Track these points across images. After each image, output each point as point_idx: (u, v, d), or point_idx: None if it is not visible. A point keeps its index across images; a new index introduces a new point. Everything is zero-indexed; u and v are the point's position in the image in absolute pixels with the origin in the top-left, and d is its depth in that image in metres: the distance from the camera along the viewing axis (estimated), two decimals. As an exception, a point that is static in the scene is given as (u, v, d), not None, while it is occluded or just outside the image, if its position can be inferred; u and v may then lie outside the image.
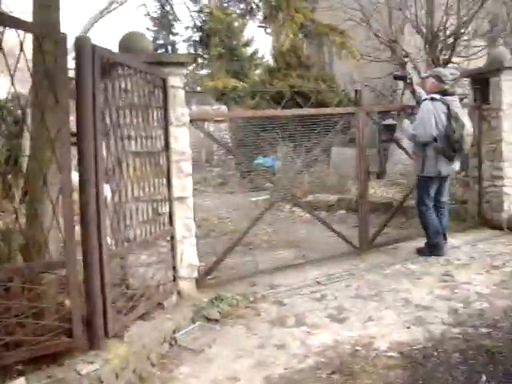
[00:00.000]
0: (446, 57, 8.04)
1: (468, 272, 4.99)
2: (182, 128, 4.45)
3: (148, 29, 25.61)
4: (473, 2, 8.12)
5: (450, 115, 5.16)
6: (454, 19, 7.84)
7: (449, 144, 5.19)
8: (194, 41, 24.08)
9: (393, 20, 8.21)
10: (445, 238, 5.66)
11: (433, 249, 5.54)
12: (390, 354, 3.40)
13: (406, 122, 5.51)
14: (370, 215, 5.90)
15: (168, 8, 18.11)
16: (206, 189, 13.02)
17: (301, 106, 11.99)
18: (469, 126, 5.29)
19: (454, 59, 8.46)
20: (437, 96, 5.28)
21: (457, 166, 5.51)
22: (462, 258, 5.47)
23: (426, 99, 5.31)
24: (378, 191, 9.45)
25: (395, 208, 6.33)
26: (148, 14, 24.17)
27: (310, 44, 16.15)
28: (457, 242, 6.01)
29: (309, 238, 6.63)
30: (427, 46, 7.99)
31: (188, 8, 26.12)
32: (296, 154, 11.40)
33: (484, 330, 3.68)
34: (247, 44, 24.95)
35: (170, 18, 23.74)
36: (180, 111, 4.41)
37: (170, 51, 24.56)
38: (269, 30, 19.71)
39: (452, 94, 5.35)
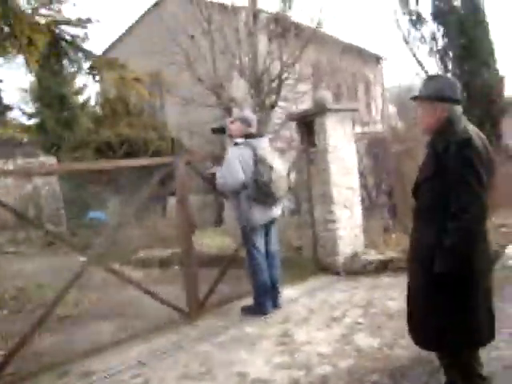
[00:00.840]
0: (272, 100, 7.94)
1: (308, 329, 4.57)
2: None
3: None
4: (294, 47, 8.20)
5: (257, 158, 4.82)
6: (278, 64, 7.81)
7: (258, 189, 4.82)
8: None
9: (218, 65, 7.95)
10: (278, 291, 5.23)
11: (258, 308, 5.05)
12: None
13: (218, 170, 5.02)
14: (197, 273, 5.19)
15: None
16: (29, 250, 11.54)
17: (131, 156, 11.34)
18: (280, 169, 4.92)
19: (281, 103, 8.43)
20: (241, 140, 4.93)
21: (278, 211, 5.13)
22: (301, 311, 5.08)
23: (235, 144, 4.93)
24: (216, 241, 8.97)
25: (228, 261, 5.75)
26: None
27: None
28: (295, 294, 5.64)
29: (137, 304, 5.79)
30: (252, 91, 7.82)
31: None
32: (127, 208, 10.64)
33: (328, 404, 3.21)
34: (78, 92, 23.66)
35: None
36: None
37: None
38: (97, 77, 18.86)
39: (259, 137, 5.03)
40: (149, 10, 13.24)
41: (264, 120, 7.87)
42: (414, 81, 15.17)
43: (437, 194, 2.68)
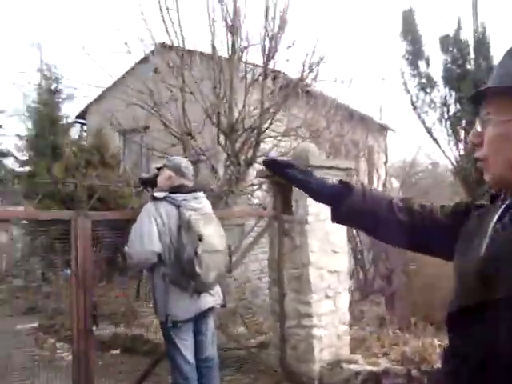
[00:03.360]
0: (248, 155, 6.51)
1: None
2: None
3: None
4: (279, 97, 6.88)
5: (182, 222, 3.32)
6: (258, 111, 6.46)
7: (178, 267, 3.28)
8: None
9: (188, 109, 6.64)
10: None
11: None
12: None
13: None
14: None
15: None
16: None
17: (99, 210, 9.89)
18: (215, 240, 3.37)
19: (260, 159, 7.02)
20: (161, 194, 3.43)
21: (213, 300, 3.53)
22: None
23: (153, 199, 3.44)
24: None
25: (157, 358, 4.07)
26: None
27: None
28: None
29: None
30: (227, 142, 6.43)
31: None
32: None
33: None
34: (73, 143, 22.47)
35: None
36: None
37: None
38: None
39: (192, 192, 3.53)
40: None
41: (235, 178, 6.42)
42: (418, 155, 14.16)
43: None
